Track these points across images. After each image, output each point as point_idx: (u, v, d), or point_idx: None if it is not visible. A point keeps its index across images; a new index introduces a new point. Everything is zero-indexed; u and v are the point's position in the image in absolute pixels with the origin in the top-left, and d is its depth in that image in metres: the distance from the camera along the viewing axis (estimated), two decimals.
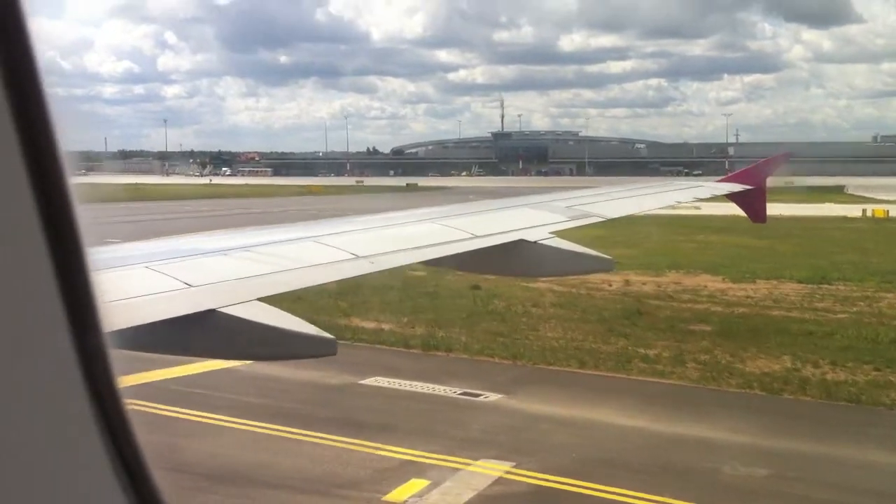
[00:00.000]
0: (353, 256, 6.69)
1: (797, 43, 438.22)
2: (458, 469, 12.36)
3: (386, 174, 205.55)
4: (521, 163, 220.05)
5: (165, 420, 14.48)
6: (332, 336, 5.43)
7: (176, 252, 5.98)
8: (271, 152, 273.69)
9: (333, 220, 9.86)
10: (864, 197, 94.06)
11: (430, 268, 27.42)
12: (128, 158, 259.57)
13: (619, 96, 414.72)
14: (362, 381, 17.44)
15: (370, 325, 22.81)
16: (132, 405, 1.45)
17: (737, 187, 14.51)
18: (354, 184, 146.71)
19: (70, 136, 1.33)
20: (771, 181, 16.97)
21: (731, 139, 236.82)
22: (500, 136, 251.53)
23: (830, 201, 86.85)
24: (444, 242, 7.78)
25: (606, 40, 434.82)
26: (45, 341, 1.33)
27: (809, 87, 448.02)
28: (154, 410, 14.53)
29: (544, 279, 23.68)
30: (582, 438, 13.82)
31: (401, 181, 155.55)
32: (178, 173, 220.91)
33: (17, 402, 1.27)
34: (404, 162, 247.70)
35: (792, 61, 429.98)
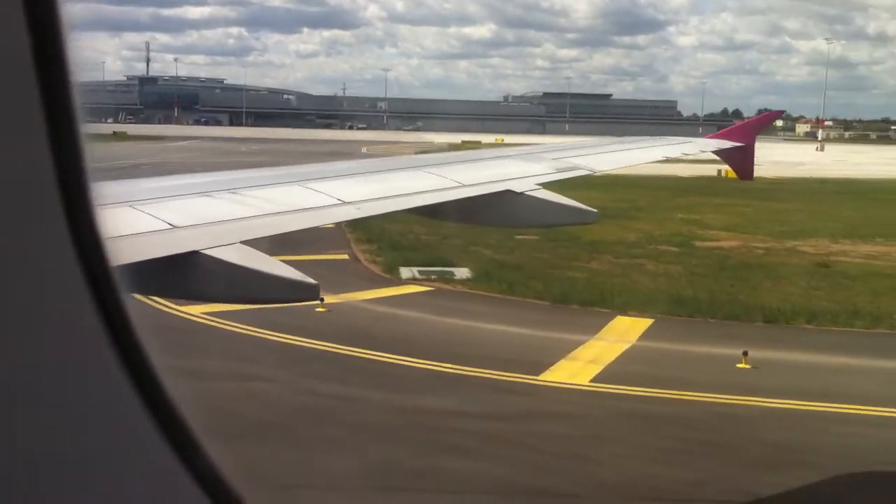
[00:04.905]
0: (339, 202, 6.68)
1: (372, 2, 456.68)
2: None
3: None
4: (176, 110, 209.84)
5: None
6: (315, 281, 5.42)
7: (160, 192, 5.94)
8: None
9: (317, 164, 9.81)
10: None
11: None
12: None
13: (198, 43, 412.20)
14: None
15: None
16: None
17: (726, 144, 14.46)
18: None
19: None
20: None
21: (352, 94, 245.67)
22: (145, 81, 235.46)
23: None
24: (430, 190, 7.78)
25: None
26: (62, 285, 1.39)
27: (384, 46, 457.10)
28: None
29: None
30: None
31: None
32: None
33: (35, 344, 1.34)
34: None
35: (368, 19, 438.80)
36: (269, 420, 13.68)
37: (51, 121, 1.35)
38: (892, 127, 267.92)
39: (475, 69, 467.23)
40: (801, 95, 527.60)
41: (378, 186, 7.79)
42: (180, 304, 18.09)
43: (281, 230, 6.01)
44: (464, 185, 8.01)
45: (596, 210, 8.74)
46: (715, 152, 14.57)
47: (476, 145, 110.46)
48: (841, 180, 68.76)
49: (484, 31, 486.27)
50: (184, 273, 4.91)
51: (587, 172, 10.18)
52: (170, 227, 5.13)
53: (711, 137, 15.90)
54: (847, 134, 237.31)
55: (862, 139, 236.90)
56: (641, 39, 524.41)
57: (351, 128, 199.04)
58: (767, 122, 19.94)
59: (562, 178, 9.38)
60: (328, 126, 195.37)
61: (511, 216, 8.39)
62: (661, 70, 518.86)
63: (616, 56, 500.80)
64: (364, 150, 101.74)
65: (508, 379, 15.76)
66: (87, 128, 1.43)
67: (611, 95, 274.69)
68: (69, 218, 1.39)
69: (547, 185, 8.65)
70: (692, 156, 15.21)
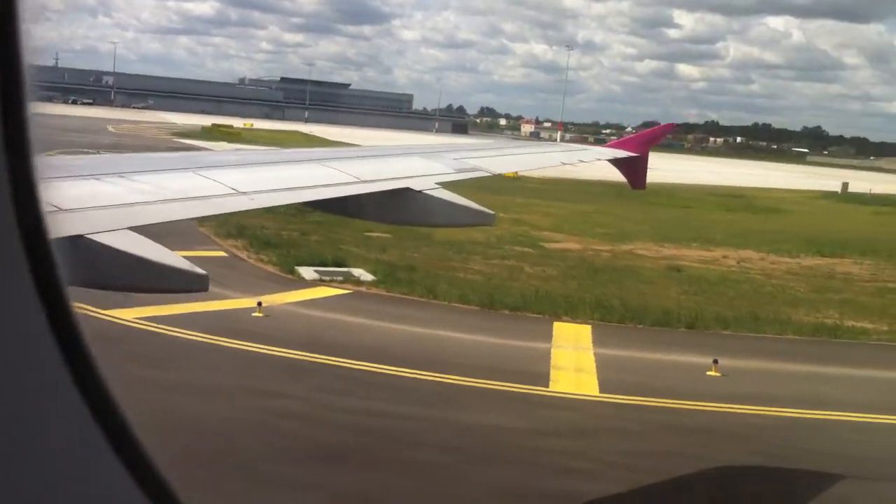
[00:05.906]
0: (234, 192, 6.41)
1: None
2: None
3: None
4: None
5: None
6: (204, 272, 5.18)
7: (44, 172, 5.51)
8: None
9: (214, 153, 9.45)
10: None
11: None
12: None
13: None
14: None
15: None
16: None
17: (621, 153, 14.64)
18: None
19: None
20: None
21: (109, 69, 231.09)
22: None
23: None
24: (327, 185, 7.53)
25: None
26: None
27: (97, 16, 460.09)
28: None
29: None
30: None
31: None
32: None
33: None
34: None
35: None
36: (341, 442, 12.44)
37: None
38: (604, 131, 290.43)
39: (196, 47, 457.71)
40: (518, 96, 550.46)
41: (272, 176, 7.52)
42: (107, 309, 16.26)
43: (173, 217, 5.74)
44: (362, 181, 7.79)
45: (493, 212, 8.63)
46: (610, 160, 14.75)
47: (229, 129, 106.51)
48: (601, 182, 61.86)
49: (206, 7, 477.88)
50: (67, 258, 4.57)
51: (486, 174, 10.08)
52: (54, 209, 4.78)
53: (606, 147, 16.13)
54: (568, 136, 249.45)
55: (582, 142, 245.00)
56: (367, 30, 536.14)
57: (75, 102, 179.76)
58: (662, 135, 20.41)
59: (461, 178, 9.25)
60: (49, 99, 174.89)
61: (409, 215, 8.20)
62: (385, 62, 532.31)
63: (342, 44, 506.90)
64: (110, 128, 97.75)
65: (526, 391, 15.13)
66: (35, 107, 1.38)
67: (349, 85, 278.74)
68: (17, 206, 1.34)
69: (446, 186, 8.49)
70: (587, 162, 15.37)
